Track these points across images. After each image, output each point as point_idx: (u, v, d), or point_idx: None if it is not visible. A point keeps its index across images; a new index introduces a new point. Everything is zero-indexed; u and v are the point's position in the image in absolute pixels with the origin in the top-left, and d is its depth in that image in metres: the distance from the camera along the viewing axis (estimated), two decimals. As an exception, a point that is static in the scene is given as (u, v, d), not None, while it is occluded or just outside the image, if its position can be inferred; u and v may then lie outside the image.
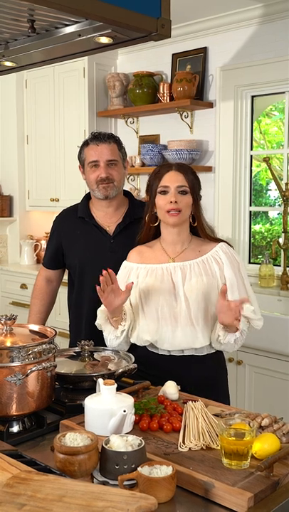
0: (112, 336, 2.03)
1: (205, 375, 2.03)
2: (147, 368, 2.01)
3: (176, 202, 1.96)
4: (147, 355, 2.05)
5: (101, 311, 2.04)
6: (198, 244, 2.07)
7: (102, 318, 2.04)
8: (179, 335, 1.98)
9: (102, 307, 2.02)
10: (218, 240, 2.08)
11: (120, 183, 2.38)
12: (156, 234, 2.11)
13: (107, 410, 1.49)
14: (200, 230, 2.07)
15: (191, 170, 2.04)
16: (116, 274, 2.10)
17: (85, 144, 2.39)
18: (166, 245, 2.07)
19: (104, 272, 1.88)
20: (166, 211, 1.98)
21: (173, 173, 2.00)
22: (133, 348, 2.08)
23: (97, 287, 1.89)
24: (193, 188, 2.00)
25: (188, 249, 2.05)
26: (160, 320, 2.00)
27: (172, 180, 1.98)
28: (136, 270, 2.07)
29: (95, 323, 2.08)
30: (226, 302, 1.83)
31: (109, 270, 1.89)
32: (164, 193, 1.99)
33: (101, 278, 1.88)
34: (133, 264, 2.08)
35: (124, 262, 2.12)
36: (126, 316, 2.00)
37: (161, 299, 1.99)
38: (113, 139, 2.37)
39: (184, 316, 1.98)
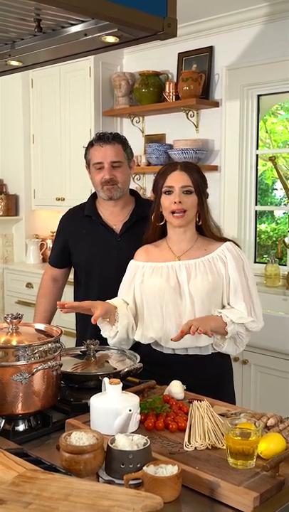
0: (107, 335, 2.04)
1: (210, 374, 2.03)
2: (152, 366, 2.01)
3: (180, 202, 1.96)
4: (151, 354, 2.05)
5: None
6: (205, 243, 2.07)
7: None
8: (183, 333, 1.98)
9: None
10: (225, 240, 2.08)
11: (125, 184, 2.37)
12: (163, 233, 2.11)
13: (113, 409, 1.49)
14: (206, 229, 2.07)
15: (197, 169, 2.04)
16: (122, 272, 2.12)
17: (90, 144, 2.39)
18: (172, 244, 2.08)
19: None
20: (170, 212, 1.99)
21: (178, 172, 1.99)
22: (137, 347, 2.08)
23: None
24: (199, 188, 2.00)
25: (194, 247, 2.05)
26: (165, 317, 2.00)
27: (177, 180, 1.98)
28: (142, 268, 2.07)
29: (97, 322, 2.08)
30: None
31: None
32: (169, 193, 1.99)
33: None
34: (139, 263, 2.09)
35: (131, 261, 2.12)
36: (118, 317, 2.00)
37: (166, 297, 2.00)
38: (118, 140, 2.36)
39: (188, 314, 1.98)
